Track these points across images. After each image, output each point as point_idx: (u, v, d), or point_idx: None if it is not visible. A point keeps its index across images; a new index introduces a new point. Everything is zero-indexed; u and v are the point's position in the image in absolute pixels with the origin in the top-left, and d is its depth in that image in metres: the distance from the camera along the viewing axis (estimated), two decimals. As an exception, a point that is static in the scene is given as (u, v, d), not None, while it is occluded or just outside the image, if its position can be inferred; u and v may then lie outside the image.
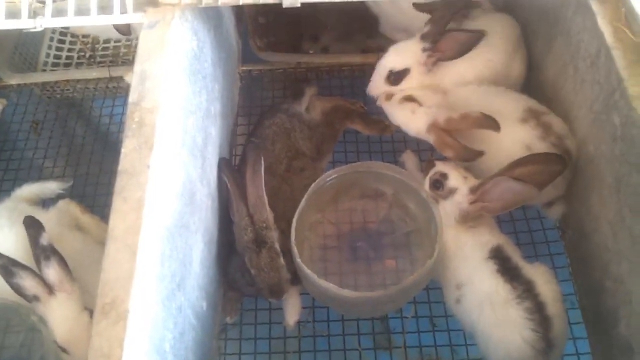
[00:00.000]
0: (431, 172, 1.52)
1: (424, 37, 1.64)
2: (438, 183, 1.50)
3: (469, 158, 1.48)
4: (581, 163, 1.49)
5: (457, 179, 1.48)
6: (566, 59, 1.54)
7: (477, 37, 1.56)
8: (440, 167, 1.52)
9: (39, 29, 1.22)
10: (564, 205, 1.56)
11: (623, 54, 1.22)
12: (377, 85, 1.71)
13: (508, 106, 1.54)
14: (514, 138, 1.49)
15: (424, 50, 1.63)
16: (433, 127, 1.53)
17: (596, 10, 1.31)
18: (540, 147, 1.47)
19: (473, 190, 1.43)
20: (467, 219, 1.45)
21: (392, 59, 1.68)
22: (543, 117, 1.52)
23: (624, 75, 1.20)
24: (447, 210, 1.47)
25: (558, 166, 1.38)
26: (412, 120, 1.61)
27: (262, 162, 1.43)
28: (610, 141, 1.31)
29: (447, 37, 1.60)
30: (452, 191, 1.47)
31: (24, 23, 1.22)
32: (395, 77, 1.68)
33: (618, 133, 1.26)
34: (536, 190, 1.35)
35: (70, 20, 1.24)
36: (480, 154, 1.46)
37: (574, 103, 1.52)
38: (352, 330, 1.56)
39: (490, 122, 1.43)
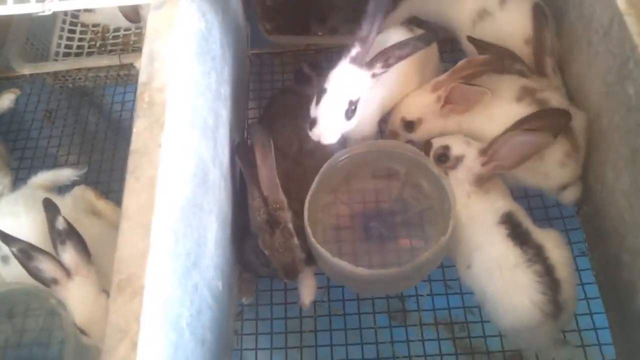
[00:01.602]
0: (432, 150, 1.52)
1: (436, 87, 1.55)
2: (443, 157, 1.50)
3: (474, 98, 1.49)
4: (595, 137, 1.47)
5: (459, 146, 1.48)
6: (579, 32, 1.52)
7: (483, 94, 1.46)
8: (438, 141, 1.53)
9: (47, 12, 1.22)
10: (578, 188, 1.55)
11: (637, 19, 1.19)
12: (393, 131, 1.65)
13: (503, 87, 1.53)
14: (511, 117, 1.45)
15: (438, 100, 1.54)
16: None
17: (608, -20, 1.29)
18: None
19: (483, 152, 1.43)
20: (483, 181, 1.45)
21: (405, 110, 1.61)
22: (538, 93, 1.50)
23: (638, 41, 1.18)
24: (460, 178, 1.46)
25: (562, 119, 1.39)
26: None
27: (271, 143, 1.43)
28: (625, 112, 1.29)
29: (455, 89, 1.49)
30: (458, 159, 1.47)
31: (32, 7, 1.21)
32: (408, 125, 1.61)
33: (633, 103, 1.24)
34: (551, 136, 1.35)
35: (79, 3, 1.24)
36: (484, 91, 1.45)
37: (586, 77, 1.50)
38: (367, 309, 1.56)
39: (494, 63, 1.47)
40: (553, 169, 1.49)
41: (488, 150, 1.42)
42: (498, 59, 1.53)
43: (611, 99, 1.36)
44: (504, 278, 1.34)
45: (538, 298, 1.30)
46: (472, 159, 1.45)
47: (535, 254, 1.33)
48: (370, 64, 1.40)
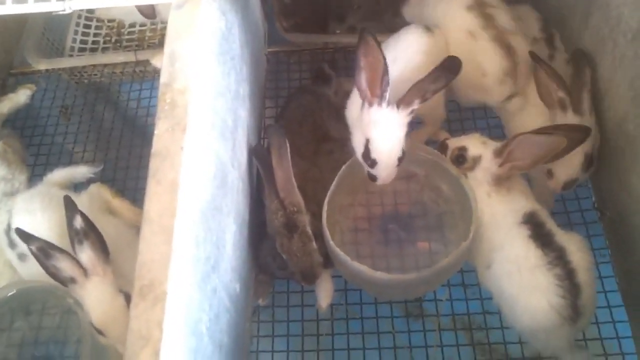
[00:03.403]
0: (449, 152, 1.51)
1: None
2: (461, 158, 1.48)
3: None
4: (621, 143, 1.45)
5: (476, 146, 1.47)
6: (604, 33, 1.49)
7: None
8: (454, 142, 1.51)
9: (68, 11, 1.21)
10: (522, 98, 1.61)
11: (670, 25, 1.17)
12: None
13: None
14: (458, 24, 1.60)
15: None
16: None
17: (639, -19, 1.26)
18: (482, 36, 1.57)
19: (498, 153, 1.42)
20: (502, 182, 1.43)
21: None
22: (488, 9, 1.59)
23: (670, 48, 1.15)
24: (479, 178, 1.45)
25: (581, 134, 1.36)
26: None
27: (288, 145, 1.41)
28: (653, 119, 1.26)
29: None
30: (476, 160, 1.46)
31: (53, 6, 1.21)
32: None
33: (662, 110, 1.21)
34: (564, 140, 1.33)
35: (99, 2, 1.23)
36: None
37: (612, 80, 1.47)
38: (385, 313, 1.55)
39: None
40: (494, 85, 1.58)
41: (503, 152, 1.40)
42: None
43: (638, 104, 1.33)
44: (523, 279, 1.32)
45: (557, 301, 1.29)
46: (489, 160, 1.44)
47: (557, 257, 1.32)
48: (407, 102, 1.35)
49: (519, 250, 1.35)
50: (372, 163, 1.37)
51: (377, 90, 1.33)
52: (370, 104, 1.35)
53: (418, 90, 1.35)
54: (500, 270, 1.37)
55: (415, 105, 1.35)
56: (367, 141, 1.36)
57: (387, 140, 1.35)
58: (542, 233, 1.36)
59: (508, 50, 1.57)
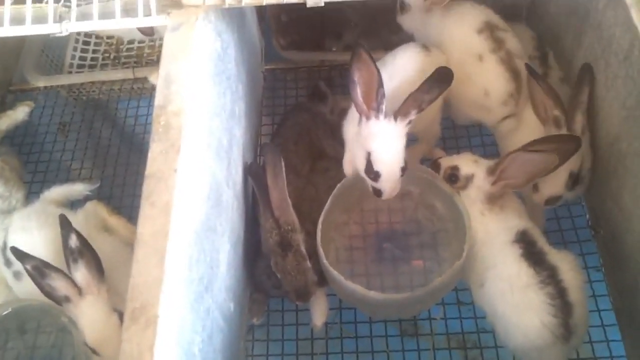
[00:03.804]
0: (441, 171, 1.52)
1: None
2: (453, 177, 1.49)
3: None
4: (613, 161, 1.45)
5: (468, 165, 1.48)
6: (597, 53, 1.50)
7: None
8: (446, 161, 1.52)
9: (64, 33, 1.23)
10: (514, 119, 1.62)
11: (660, 48, 1.18)
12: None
13: (469, 16, 1.63)
14: (467, 45, 1.60)
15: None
16: None
17: (629, 3, 1.28)
18: (490, 58, 1.58)
19: (491, 171, 1.43)
20: (495, 200, 1.44)
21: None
22: (498, 32, 1.60)
23: (660, 70, 1.16)
24: (472, 197, 1.46)
25: (571, 145, 1.37)
26: None
27: (282, 164, 1.42)
28: (645, 138, 1.27)
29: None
30: (468, 178, 1.47)
31: (50, 28, 1.22)
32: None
33: (653, 130, 1.22)
34: (556, 158, 1.33)
35: (95, 24, 1.24)
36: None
37: (605, 99, 1.48)
38: (380, 331, 1.54)
39: None
40: (497, 106, 1.60)
41: (496, 170, 1.42)
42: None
43: (631, 124, 1.34)
44: (515, 298, 1.33)
45: (549, 320, 1.29)
46: (481, 178, 1.45)
47: (549, 276, 1.32)
48: (404, 113, 1.35)
49: (511, 269, 1.35)
50: (376, 176, 1.37)
51: (373, 103, 1.34)
52: (368, 118, 1.35)
53: (414, 100, 1.36)
54: (493, 289, 1.37)
55: (412, 115, 1.36)
56: (369, 154, 1.36)
57: (388, 151, 1.36)
58: (533, 252, 1.36)
59: (514, 73, 1.58)
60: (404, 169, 1.38)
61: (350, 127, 1.49)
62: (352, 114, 1.47)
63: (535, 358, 1.37)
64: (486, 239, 1.42)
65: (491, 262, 1.39)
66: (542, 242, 1.39)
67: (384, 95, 1.33)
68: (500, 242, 1.40)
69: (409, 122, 1.36)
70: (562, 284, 1.31)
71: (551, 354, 1.33)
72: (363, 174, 1.41)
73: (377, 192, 1.41)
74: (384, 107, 1.34)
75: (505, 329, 1.36)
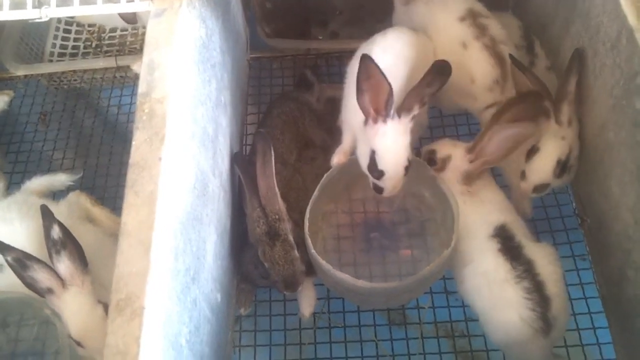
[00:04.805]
0: (422, 156, 1.54)
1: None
2: (431, 161, 1.51)
3: None
4: (600, 150, 1.45)
5: (444, 147, 1.52)
6: (584, 41, 1.50)
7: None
8: (426, 147, 1.56)
9: (44, 19, 1.19)
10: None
11: (647, 36, 1.18)
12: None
13: (451, 4, 1.63)
14: (451, 33, 1.60)
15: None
16: None
17: (617, -8, 1.27)
18: (474, 45, 1.58)
19: (470, 150, 1.45)
20: (472, 179, 1.47)
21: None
22: (481, 19, 1.60)
23: (648, 57, 1.16)
24: (450, 177, 1.47)
25: (540, 99, 1.41)
26: None
27: (272, 153, 1.40)
28: (632, 127, 1.27)
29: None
30: (445, 160, 1.50)
31: (29, 13, 1.19)
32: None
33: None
34: (533, 125, 1.36)
35: (76, 10, 1.21)
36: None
37: (592, 87, 1.48)
38: (368, 321, 1.54)
39: None
40: (482, 93, 1.59)
41: (475, 148, 1.44)
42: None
43: (618, 112, 1.34)
44: (492, 293, 1.34)
45: (527, 314, 1.30)
46: (459, 158, 1.47)
47: (525, 270, 1.33)
48: (407, 108, 1.34)
49: (489, 264, 1.36)
50: (379, 175, 1.35)
51: (382, 112, 1.32)
52: (375, 122, 1.33)
53: (416, 94, 1.35)
54: (472, 284, 1.39)
55: (416, 110, 1.35)
56: (373, 152, 1.34)
57: (394, 150, 1.34)
58: (511, 246, 1.37)
59: (499, 59, 1.58)
60: (407, 168, 1.36)
61: (358, 117, 1.40)
62: (354, 104, 1.40)
63: (518, 352, 1.38)
64: (466, 233, 1.41)
65: (469, 258, 1.40)
66: (520, 236, 1.39)
67: (393, 102, 1.31)
68: (479, 237, 1.40)
69: (413, 117, 1.35)
70: (538, 278, 1.32)
71: (533, 347, 1.33)
72: (365, 171, 1.39)
73: (379, 190, 1.39)
74: (392, 112, 1.32)
75: (486, 324, 1.38)
